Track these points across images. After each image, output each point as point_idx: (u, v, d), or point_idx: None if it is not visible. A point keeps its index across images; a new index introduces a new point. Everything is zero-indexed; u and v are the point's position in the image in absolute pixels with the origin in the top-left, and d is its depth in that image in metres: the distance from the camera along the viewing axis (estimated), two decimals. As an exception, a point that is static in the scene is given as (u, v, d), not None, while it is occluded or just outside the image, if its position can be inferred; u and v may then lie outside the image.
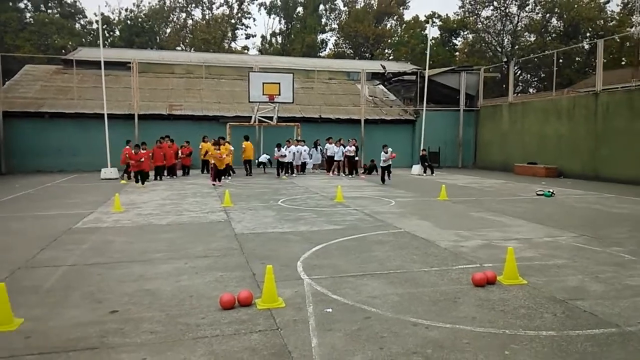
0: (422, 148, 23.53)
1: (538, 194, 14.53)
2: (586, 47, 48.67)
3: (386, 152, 17.74)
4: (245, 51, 59.96)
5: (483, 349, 3.93)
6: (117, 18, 55.68)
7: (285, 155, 20.87)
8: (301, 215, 10.55)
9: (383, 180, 17.81)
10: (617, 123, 19.30)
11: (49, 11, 54.08)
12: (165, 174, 19.96)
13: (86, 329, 4.37)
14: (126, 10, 56.98)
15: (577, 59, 50.98)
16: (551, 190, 14.45)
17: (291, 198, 13.56)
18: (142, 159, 17.44)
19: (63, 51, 49.13)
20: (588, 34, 52.04)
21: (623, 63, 42.30)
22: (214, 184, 17.35)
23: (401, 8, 59.32)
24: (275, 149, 21.25)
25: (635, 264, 6.54)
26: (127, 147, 19.10)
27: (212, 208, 11.64)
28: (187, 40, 58.54)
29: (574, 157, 21.24)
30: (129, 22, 54.85)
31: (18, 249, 7.43)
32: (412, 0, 59.55)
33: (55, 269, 6.31)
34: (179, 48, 58.36)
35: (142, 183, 17.22)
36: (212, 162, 18.17)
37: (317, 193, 14.77)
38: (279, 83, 22.13)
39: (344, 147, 20.88)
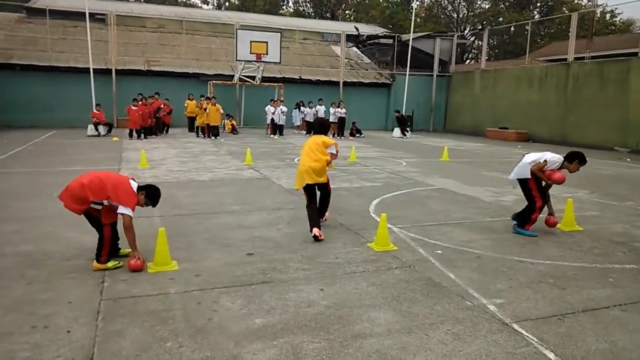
0: (396, 110, 24.35)
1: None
2: (536, 17, 50.79)
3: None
4: (205, 5, 58.02)
5: (590, 277, 4.82)
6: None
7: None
8: (331, 173, 11.08)
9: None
10: (586, 92, 20.94)
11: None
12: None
13: (243, 267, 4.88)
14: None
15: (527, 28, 52.75)
16: (537, 153, 15.73)
17: (303, 157, 14.05)
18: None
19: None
20: (538, 4, 54.25)
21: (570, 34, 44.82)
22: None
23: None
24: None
25: (653, 215, 7.71)
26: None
27: (236, 165, 12.00)
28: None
29: (543, 123, 22.86)
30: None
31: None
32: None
33: (150, 219, 6.64)
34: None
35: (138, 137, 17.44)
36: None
37: (324, 153, 15.33)
38: (267, 42, 22.12)
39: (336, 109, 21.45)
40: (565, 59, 22.50)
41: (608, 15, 47.67)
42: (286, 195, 8.48)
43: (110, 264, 4.72)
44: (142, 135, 18.28)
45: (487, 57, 55.02)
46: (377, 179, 10.42)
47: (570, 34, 22.50)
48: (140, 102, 18.13)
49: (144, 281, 4.47)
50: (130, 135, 18.09)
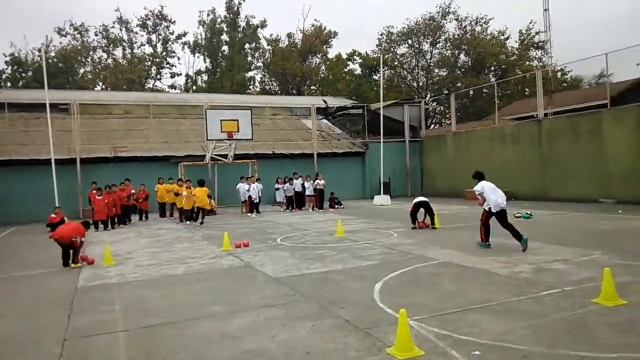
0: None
1: (516, 217, 15.15)
2: (492, 79, 52.71)
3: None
4: (173, 90, 58.51)
5: (676, 374, 3.83)
6: (29, 59, 52.22)
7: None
8: (320, 252, 10.10)
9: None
10: (560, 146, 20.91)
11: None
12: (116, 222, 17.72)
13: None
14: (38, 50, 53.23)
15: (485, 90, 54.26)
16: (529, 212, 15.15)
17: (286, 236, 13.01)
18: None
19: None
20: (492, 68, 56.62)
21: (527, 93, 46.50)
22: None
23: (325, 46, 61.00)
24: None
25: (688, 275, 6.88)
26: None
27: (213, 252, 10.83)
28: (108, 80, 55.87)
29: (522, 180, 22.59)
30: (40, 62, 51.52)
31: (41, 316, 6.36)
32: (333, 40, 60.42)
33: (113, 336, 5.41)
34: (97, 88, 55.65)
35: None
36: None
37: (308, 230, 14.35)
38: (237, 120, 21.61)
39: (314, 181, 20.74)
40: (529, 117, 22.73)
41: (559, 74, 49.93)
42: (274, 287, 7.35)
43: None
44: (110, 226, 16.95)
45: (440, 122, 56.13)
46: (371, 256, 9.40)
47: (537, 90, 22.82)
48: (104, 191, 16.93)
49: None
50: (96, 227, 16.70)
